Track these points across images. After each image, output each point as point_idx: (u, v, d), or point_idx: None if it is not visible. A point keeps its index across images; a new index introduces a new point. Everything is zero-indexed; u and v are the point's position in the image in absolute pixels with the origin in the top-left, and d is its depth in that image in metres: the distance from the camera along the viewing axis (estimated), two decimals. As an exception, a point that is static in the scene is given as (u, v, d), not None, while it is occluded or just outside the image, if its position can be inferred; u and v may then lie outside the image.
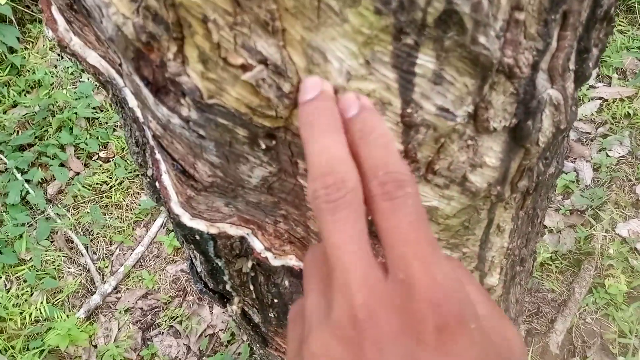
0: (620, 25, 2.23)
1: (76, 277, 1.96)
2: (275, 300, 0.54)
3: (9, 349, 1.77)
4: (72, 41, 0.45)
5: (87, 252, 2.01)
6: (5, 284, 1.94)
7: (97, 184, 2.17)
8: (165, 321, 1.82)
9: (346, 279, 0.27)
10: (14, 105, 2.38)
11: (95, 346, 1.80)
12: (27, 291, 1.92)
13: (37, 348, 1.76)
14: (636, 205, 1.76)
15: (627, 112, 1.97)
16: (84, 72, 2.43)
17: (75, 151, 2.27)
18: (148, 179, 0.49)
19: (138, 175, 2.15)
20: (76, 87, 2.41)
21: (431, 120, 0.38)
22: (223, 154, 0.39)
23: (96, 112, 2.31)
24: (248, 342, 1.65)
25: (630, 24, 2.22)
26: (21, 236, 2.00)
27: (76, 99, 2.33)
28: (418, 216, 0.28)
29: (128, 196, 2.13)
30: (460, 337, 0.26)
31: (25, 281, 1.93)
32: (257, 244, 0.49)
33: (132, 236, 2.06)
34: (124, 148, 2.24)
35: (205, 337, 1.77)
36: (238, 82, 0.33)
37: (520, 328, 1.53)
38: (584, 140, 1.98)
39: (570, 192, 1.84)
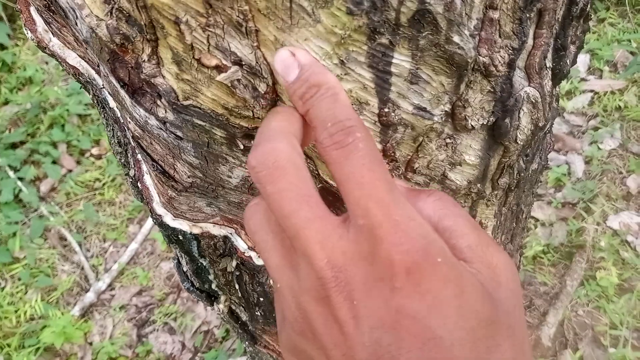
0: (610, 17, 2.23)
1: (70, 274, 1.96)
2: (261, 299, 0.54)
3: (5, 347, 1.77)
4: (52, 42, 0.45)
5: (81, 249, 2.00)
6: (0, 282, 1.94)
7: (89, 181, 2.17)
8: (160, 318, 1.83)
9: (305, 245, 0.27)
10: (6, 103, 2.37)
11: (91, 343, 1.81)
12: (21, 289, 1.92)
13: (33, 346, 1.76)
14: (627, 198, 1.76)
15: (618, 104, 1.98)
16: (75, 69, 2.42)
17: (67, 148, 2.26)
18: (131, 179, 0.49)
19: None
20: (67, 84, 2.40)
21: (409, 120, 0.38)
22: (202, 155, 0.39)
23: (88, 108, 2.30)
24: (238, 339, 1.66)
25: (621, 17, 2.22)
26: (14, 234, 2.00)
27: (67, 96, 2.32)
28: (371, 159, 0.28)
29: (121, 193, 2.13)
30: (431, 275, 0.26)
31: (19, 279, 1.93)
32: (241, 243, 0.49)
33: (126, 233, 2.06)
34: (116, 145, 2.23)
35: (200, 333, 1.77)
36: (213, 83, 0.33)
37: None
38: (576, 133, 1.99)
39: (562, 185, 1.84)
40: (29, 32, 0.45)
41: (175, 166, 0.41)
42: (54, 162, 2.20)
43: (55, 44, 0.45)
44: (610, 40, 2.15)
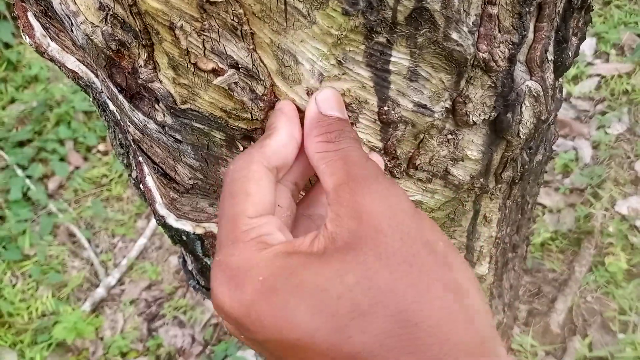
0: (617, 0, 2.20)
1: (80, 270, 1.98)
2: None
3: (18, 343, 1.79)
4: (50, 47, 0.45)
5: (90, 245, 2.02)
6: (11, 280, 1.96)
7: (97, 177, 2.18)
8: (170, 312, 1.84)
9: None
10: (12, 101, 2.38)
11: (102, 338, 1.82)
12: (32, 286, 1.93)
13: (45, 342, 1.78)
14: (635, 182, 1.75)
15: (626, 88, 1.96)
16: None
17: (74, 145, 2.27)
18: (133, 181, 0.49)
19: (137, 167, 2.15)
20: (72, 81, 2.40)
21: (409, 117, 0.38)
22: (202, 157, 0.39)
23: (93, 105, 2.31)
24: None
25: (628, -1, 2.19)
26: (24, 232, 2.01)
27: (73, 93, 2.32)
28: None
29: (128, 188, 2.14)
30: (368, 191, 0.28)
31: (30, 276, 1.94)
32: (244, 242, 0.49)
33: (134, 228, 2.07)
34: (122, 141, 2.23)
35: (210, 326, 1.78)
36: (210, 86, 0.33)
37: (520, 309, 1.54)
38: (583, 118, 1.97)
39: (570, 171, 1.83)
40: (27, 37, 0.45)
41: (176, 168, 0.41)
42: (61, 160, 2.21)
43: (53, 48, 0.45)
44: (617, 23, 2.12)
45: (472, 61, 0.35)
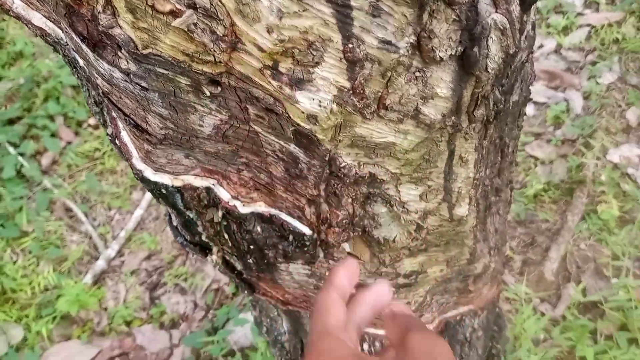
0: (607, -54, 2.15)
1: (79, 244, 1.99)
2: (251, 247, 0.56)
3: (23, 317, 1.82)
4: (15, 3, 0.44)
5: (87, 219, 2.03)
6: (12, 257, 1.98)
7: (89, 151, 2.18)
8: (171, 280, 1.86)
9: None
10: (-1, 79, 2.36)
11: (106, 309, 1.85)
12: (33, 262, 1.95)
13: (50, 315, 1.81)
14: (627, 131, 1.75)
15: (616, 37, 1.94)
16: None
17: (64, 120, 2.26)
18: (110, 137, 0.50)
19: (130, 139, 2.14)
20: (58, 56, 2.37)
21: (375, 54, 0.38)
22: (170, 105, 0.39)
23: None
24: (238, 289, 1.70)
25: (618, -56, 2.14)
26: (21, 209, 2.02)
27: (59, 68, 2.30)
28: None
29: (121, 161, 2.14)
30: None
31: (30, 252, 1.96)
32: (224, 194, 0.50)
33: (130, 200, 2.08)
34: (113, 114, 2.22)
35: (211, 291, 1.81)
36: (170, 29, 0.33)
37: (515, 260, 1.57)
38: (574, 69, 1.96)
39: (561, 122, 1.83)
40: (-11, -6, 0.44)
41: (147, 119, 0.41)
42: (52, 135, 2.20)
43: (18, 5, 0.44)
44: (607, -30, 2.09)
45: (433, -7, 0.35)
